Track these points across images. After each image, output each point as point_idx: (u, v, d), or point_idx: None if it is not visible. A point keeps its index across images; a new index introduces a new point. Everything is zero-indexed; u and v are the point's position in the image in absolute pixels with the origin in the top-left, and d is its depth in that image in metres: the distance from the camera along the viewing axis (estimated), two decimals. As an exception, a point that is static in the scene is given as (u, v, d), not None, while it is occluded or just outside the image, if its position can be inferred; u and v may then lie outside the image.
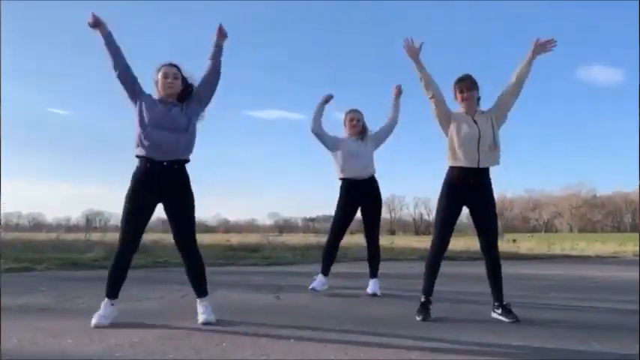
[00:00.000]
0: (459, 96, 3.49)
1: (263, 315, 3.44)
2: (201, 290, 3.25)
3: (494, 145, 3.43)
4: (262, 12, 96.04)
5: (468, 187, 3.45)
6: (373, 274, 4.62)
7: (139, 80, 3.19)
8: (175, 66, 3.23)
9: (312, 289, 4.43)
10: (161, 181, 3.10)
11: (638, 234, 23.13)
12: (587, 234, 56.77)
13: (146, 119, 3.09)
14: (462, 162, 3.44)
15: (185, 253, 3.23)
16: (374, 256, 4.63)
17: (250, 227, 76.09)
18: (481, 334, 2.95)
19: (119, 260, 3.13)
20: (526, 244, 20.13)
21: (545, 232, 78.09)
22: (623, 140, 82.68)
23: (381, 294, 4.49)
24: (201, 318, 3.13)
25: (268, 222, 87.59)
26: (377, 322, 3.23)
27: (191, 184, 3.21)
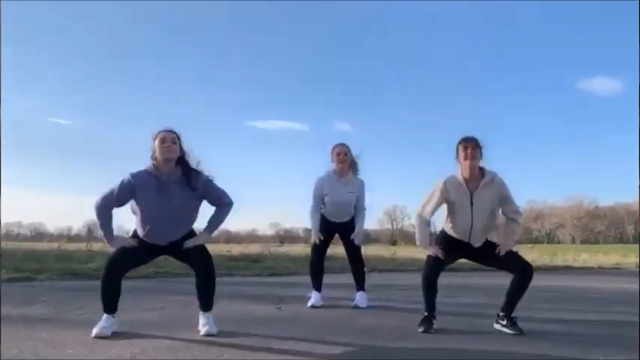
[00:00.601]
0: (462, 154, 3.33)
1: (264, 326, 3.42)
2: (207, 304, 3.21)
3: (488, 228, 3.42)
4: (266, 22, 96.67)
5: (462, 247, 3.47)
6: (360, 287, 4.55)
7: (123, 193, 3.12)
8: (174, 132, 3.15)
9: (312, 306, 4.38)
10: (161, 249, 3.25)
11: (638, 245, 23.06)
12: (589, 245, 56.56)
13: (144, 214, 3.12)
14: (454, 235, 3.48)
15: (198, 265, 3.19)
16: (358, 272, 4.58)
17: (251, 237, 75.90)
18: (483, 345, 2.94)
19: (109, 276, 3.08)
20: (528, 255, 20.06)
21: (547, 243, 77.84)
22: (625, 151, 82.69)
23: (367, 306, 4.41)
24: (202, 330, 3.11)
25: (269, 232, 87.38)
26: (378, 334, 3.21)
27: None
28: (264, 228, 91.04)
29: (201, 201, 3.23)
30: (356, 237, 4.47)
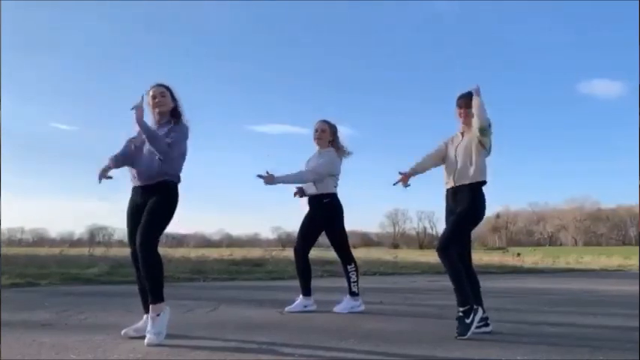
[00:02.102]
0: (457, 111, 3.59)
1: (266, 330, 3.42)
2: (150, 295, 3.06)
3: (470, 164, 3.48)
4: (267, 25, 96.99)
5: (451, 205, 3.56)
6: (348, 290, 4.46)
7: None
8: (162, 85, 3.31)
9: (287, 310, 4.32)
10: (143, 200, 3.17)
11: (639, 247, 23.04)
12: (592, 247, 56.44)
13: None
14: (445, 184, 3.60)
15: (137, 247, 3.07)
16: (344, 269, 4.49)
17: (253, 241, 75.82)
18: (487, 348, 2.94)
19: (137, 274, 3.20)
20: (531, 257, 20.04)
21: (549, 245, 77.68)
22: (627, 153, 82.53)
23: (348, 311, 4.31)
24: (146, 337, 2.95)
25: (271, 236, 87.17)
26: (380, 338, 3.21)
27: (169, 201, 3.18)
28: (266, 232, 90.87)
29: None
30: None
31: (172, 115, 3.29)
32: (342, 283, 4.51)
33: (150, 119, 3.29)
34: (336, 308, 4.35)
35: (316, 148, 4.58)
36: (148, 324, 3.01)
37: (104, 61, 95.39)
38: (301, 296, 4.45)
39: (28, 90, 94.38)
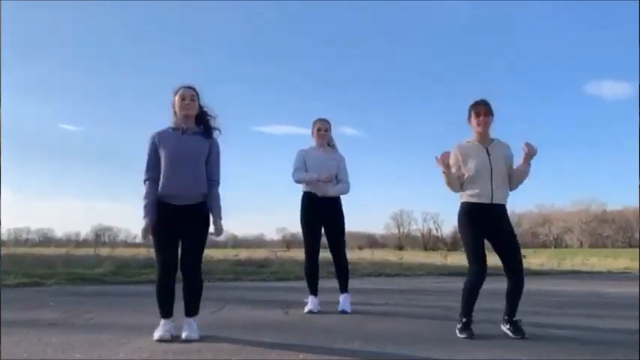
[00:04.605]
0: (474, 119, 3.40)
1: (272, 331, 3.42)
2: (192, 309, 3.21)
3: (504, 184, 3.41)
4: (272, 25, 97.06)
5: (486, 221, 3.36)
6: (343, 288, 4.46)
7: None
8: (193, 88, 3.24)
9: (310, 311, 4.30)
10: (182, 221, 3.14)
11: (639, 249, 22.89)
12: (598, 249, 56.16)
13: (164, 160, 3.13)
14: (475, 197, 3.35)
15: (188, 270, 3.19)
16: (343, 269, 4.48)
17: (258, 242, 75.86)
18: (492, 349, 2.93)
19: (165, 279, 3.21)
20: (536, 259, 19.94)
21: (554, 247, 77.31)
22: (634, 154, 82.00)
23: (351, 310, 4.34)
24: (183, 334, 3.09)
25: (276, 237, 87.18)
26: (385, 339, 3.20)
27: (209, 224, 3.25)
28: (271, 233, 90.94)
29: (207, 155, 3.23)
30: (335, 185, 4.46)
31: (198, 120, 3.24)
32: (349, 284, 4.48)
33: (172, 120, 3.24)
34: (345, 308, 4.33)
35: (313, 143, 4.60)
36: (188, 326, 3.13)
37: (109, 62, 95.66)
38: (312, 296, 4.44)
39: (38, 91, 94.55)
